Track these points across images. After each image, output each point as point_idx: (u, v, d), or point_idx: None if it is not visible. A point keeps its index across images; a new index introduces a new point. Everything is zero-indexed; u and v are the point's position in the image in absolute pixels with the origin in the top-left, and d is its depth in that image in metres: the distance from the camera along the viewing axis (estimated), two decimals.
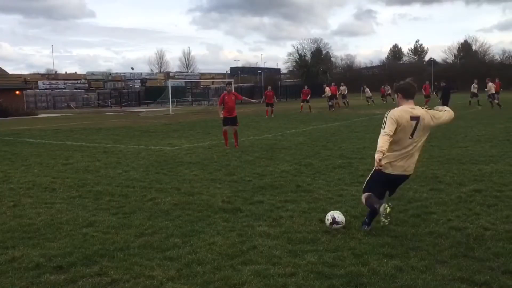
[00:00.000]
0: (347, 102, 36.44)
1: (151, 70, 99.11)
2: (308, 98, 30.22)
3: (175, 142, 14.77)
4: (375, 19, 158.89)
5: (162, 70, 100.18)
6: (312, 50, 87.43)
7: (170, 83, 38.60)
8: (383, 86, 41.45)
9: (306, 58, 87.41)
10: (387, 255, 4.40)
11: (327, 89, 31.85)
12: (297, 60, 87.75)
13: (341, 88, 35.98)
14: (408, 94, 5.04)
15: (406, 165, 4.97)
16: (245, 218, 5.84)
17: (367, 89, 40.01)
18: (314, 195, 6.93)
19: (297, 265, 4.25)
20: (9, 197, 7.44)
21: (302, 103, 30.41)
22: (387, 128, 4.84)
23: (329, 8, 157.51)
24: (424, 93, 32.37)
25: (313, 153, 11.30)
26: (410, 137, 4.87)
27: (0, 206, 6.84)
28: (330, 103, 31.30)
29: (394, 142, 4.90)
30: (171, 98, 38.47)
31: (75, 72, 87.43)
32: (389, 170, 5.00)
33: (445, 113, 5.07)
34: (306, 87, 31.58)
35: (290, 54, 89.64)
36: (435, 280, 3.85)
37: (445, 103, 21.48)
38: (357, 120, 21.67)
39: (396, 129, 4.82)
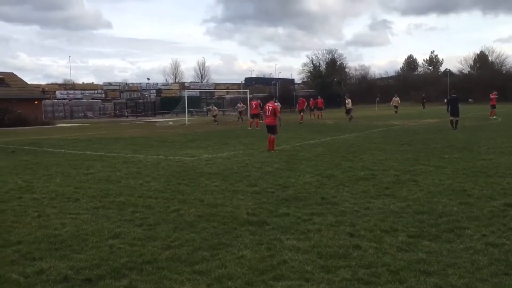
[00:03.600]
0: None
1: (166, 80, 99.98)
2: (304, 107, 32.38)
3: (193, 152, 14.75)
4: (390, 30, 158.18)
5: (177, 80, 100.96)
6: (327, 60, 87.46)
7: (186, 93, 38.75)
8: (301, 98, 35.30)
9: (321, 68, 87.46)
10: (424, 272, 4.26)
11: (239, 105, 35.59)
12: (312, 70, 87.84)
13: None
14: None
15: None
16: (272, 231, 5.74)
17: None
18: (340, 208, 6.80)
19: (331, 282, 4.13)
20: (33, 207, 7.46)
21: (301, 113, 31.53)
22: None
23: (344, 19, 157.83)
24: (490, 103, 29.14)
25: (334, 165, 11.16)
26: None
27: (24, 216, 6.84)
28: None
29: None
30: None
31: (92, 83, 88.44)
32: None
33: None
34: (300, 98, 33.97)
35: (304, 64, 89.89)
36: None
37: (454, 114, 20.94)
38: (374, 131, 21.46)
39: None
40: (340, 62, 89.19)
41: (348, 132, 21.26)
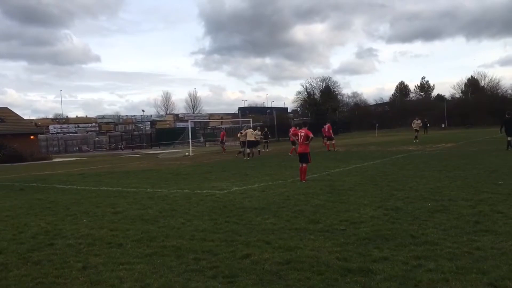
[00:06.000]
0: None
1: (157, 112, 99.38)
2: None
3: (219, 185, 13.65)
4: (376, 57, 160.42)
5: (168, 112, 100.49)
6: (321, 88, 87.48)
7: (190, 124, 37.75)
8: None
9: (315, 96, 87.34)
10: None
11: (242, 132, 29.79)
12: (306, 98, 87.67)
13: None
14: None
15: None
16: (386, 283, 4.67)
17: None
18: (444, 248, 5.76)
19: None
20: (72, 255, 6.31)
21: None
22: None
23: (331, 48, 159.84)
24: None
25: (387, 195, 10.15)
26: None
27: (67, 269, 5.69)
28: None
29: None
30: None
31: (86, 116, 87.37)
32: None
33: None
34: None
35: (299, 92, 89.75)
36: None
37: (511, 134, 20.50)
38: (397, 157, 20.56)
39: None
40: (333, 89, 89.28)
41: (370, 159, 20.31)
